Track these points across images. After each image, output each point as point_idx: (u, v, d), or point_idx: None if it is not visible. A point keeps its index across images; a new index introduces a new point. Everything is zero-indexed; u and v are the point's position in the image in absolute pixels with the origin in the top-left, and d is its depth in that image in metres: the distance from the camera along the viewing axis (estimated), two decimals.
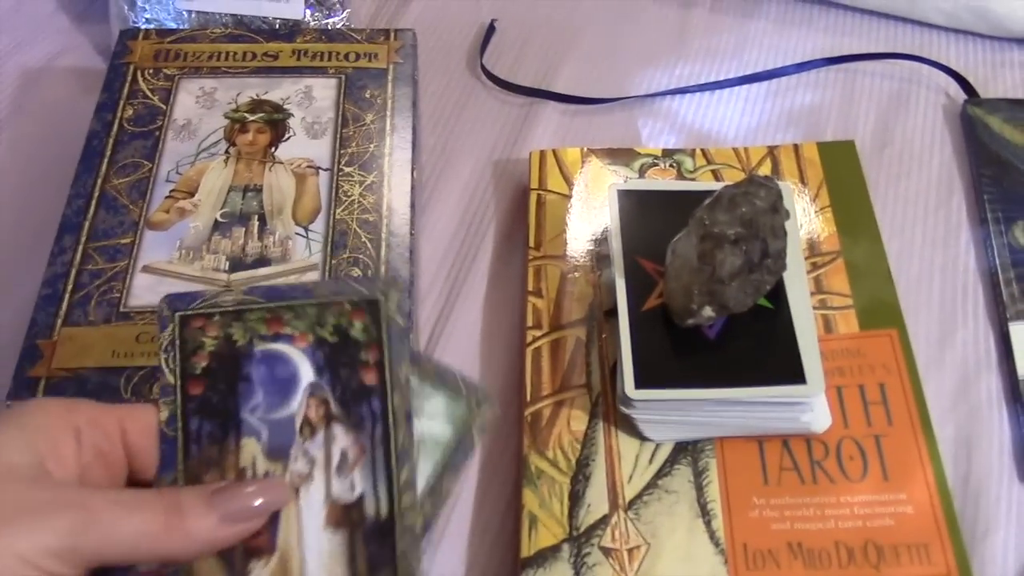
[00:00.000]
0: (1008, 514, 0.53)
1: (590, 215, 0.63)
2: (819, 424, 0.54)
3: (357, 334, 0.38)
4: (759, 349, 0.53)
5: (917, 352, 0.58)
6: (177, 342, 0.37)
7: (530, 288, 0.60)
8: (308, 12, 0.74)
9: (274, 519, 0.36)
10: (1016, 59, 0.76)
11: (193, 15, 0.73)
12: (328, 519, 0.36)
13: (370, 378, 0.38)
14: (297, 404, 0.37)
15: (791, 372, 0.52)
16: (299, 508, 0.36)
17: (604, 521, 0.51)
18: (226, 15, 0.73)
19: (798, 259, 0.56)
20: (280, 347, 0.37)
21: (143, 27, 0.72)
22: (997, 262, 0.63)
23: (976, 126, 0.69)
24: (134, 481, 0.38)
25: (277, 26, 0.73)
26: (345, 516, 0.36)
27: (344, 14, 0.75)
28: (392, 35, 0.66)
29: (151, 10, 0.73)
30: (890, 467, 0.53)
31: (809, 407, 0.53)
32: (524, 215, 0.64)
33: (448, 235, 0.66)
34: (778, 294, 0.55)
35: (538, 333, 0.58)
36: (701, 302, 0.53)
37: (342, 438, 0.37)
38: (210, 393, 0.37)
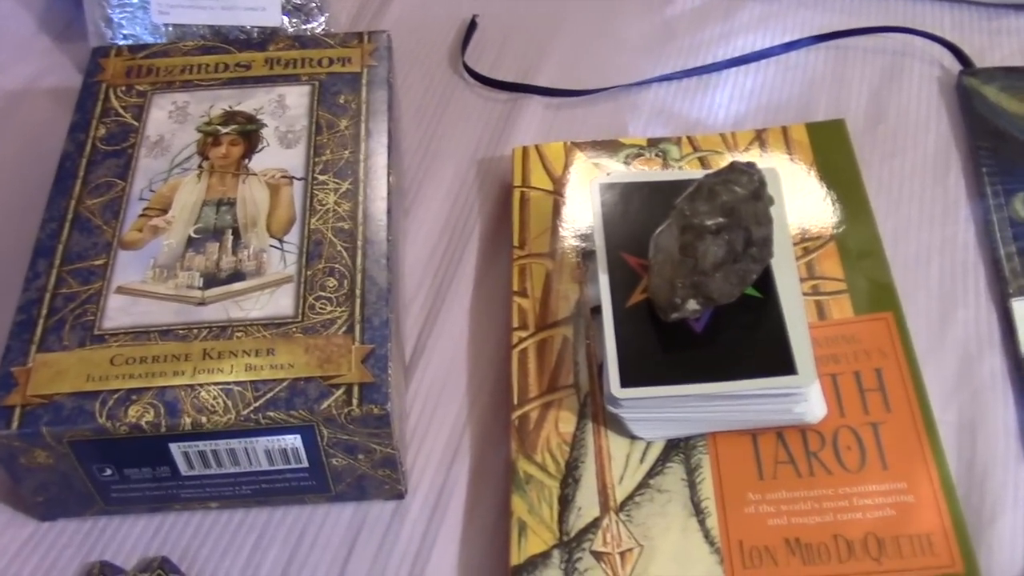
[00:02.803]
0: (1016, 499, 0.51)
1: (574, 210, 0.62)
2: (814, 414, 0.52)
3: None
4: (748, 340, 0.52)
5: (917, 335, 0.56)
6: None
7: (515, 288, 0.59)
8: (286, 19, 0.73)
9: None
10: (1013, 26, 0.74)
11: (170, 28, 0.72)
12: None
13: None
14: None
15: (781, 362, 0.51)
16: None
17: (595, 524, 0.50)
18: (203, 26, 0.72)
19: (786, 245, 0.55)
20: None
21: (121, 43, 0.71)
22: (998, 236, 0.61)
23: (972, 97, 0.67)
24: None
25: (255, 35, 0.72)
26: None
27: (322, 19, 0.74)
28: (366, 38, 0.65)
29: (128, 26, 0.72)
30: (889, 455, 0.51)
31: (802, 397, 0.51)
32: (509, 213, 0.63)
33: (433, 238, 0.64)
34: (767, 282, 0.54)
35: (524, 334, 0.57)
36: (685, 295, 0.51)
37: None
38: None
